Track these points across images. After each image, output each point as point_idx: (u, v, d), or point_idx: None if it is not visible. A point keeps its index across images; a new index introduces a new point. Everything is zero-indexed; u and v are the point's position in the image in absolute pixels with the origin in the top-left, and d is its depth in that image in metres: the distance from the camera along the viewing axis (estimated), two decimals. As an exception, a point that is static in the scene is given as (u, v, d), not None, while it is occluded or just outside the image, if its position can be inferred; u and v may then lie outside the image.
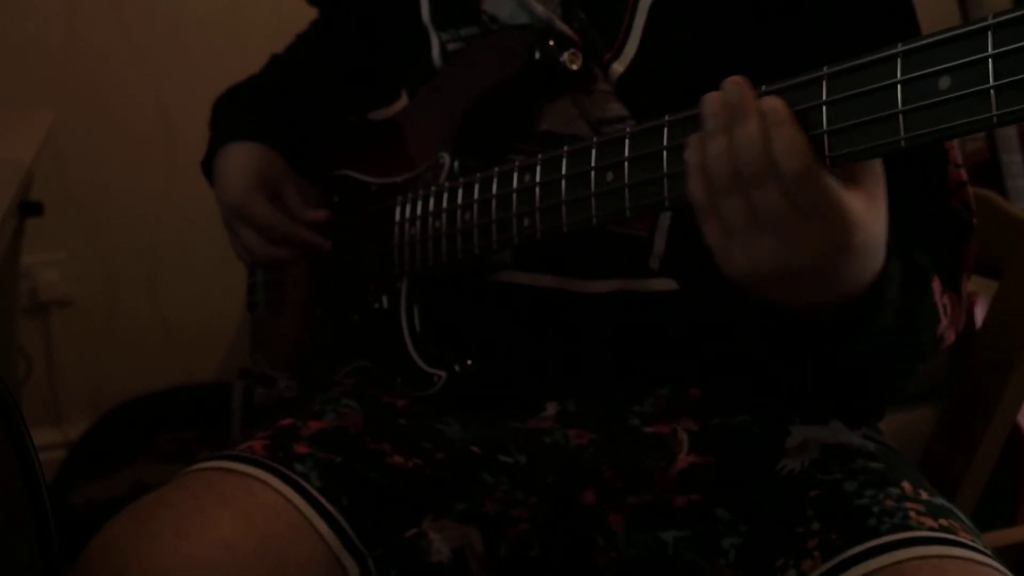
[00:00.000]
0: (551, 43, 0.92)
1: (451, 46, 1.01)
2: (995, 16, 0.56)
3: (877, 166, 0.67)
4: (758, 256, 0.67)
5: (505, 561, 0.89)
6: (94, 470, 1.87)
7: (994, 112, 0.56)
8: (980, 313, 1.62)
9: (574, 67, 0.92)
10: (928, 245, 0.84)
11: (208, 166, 1.16)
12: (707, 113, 0.68)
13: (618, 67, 0.91)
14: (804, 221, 0.65)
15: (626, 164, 0.76)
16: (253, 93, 1.21)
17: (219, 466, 0.85)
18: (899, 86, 0.60)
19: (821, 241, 0.65)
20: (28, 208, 1.57)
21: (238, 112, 1.18)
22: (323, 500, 0.84)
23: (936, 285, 0.82)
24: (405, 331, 0.99)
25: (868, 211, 0.66)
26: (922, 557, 0.74)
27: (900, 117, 0.60)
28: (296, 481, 0.84)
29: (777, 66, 0.72)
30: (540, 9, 0.94)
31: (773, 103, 0.65)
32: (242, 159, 1.12)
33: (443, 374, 0.96)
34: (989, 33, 0.56)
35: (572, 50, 0.92)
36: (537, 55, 0.92)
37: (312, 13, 1.27)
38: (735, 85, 0.67)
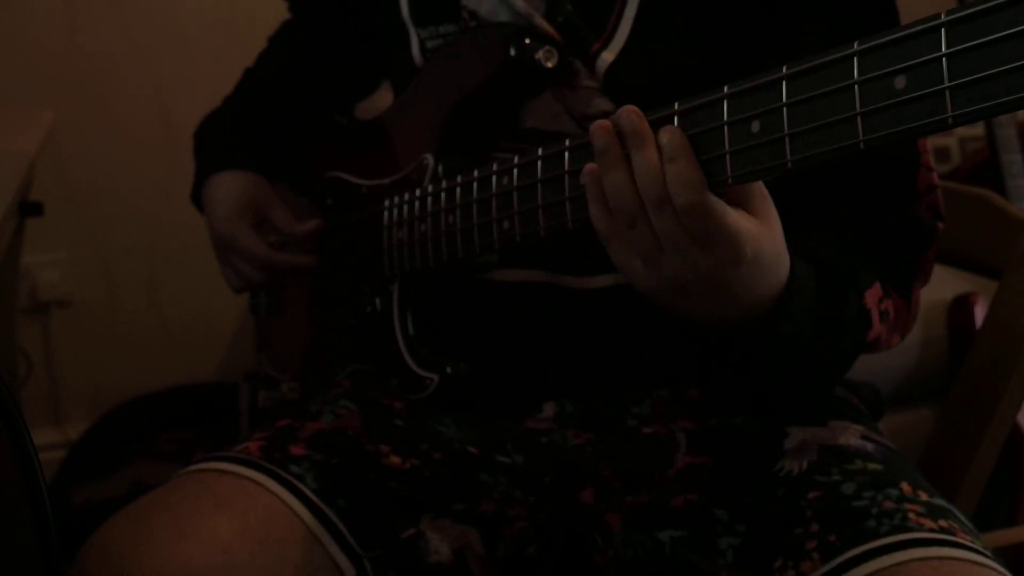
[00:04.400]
0: (526, 41, 0.91)
1: (430, 43, 1.01)
2: (947, 13, 0.55)
3: (761, 188, 0.70)
4: (662, 275, 0.71)
5: (503, 561, 0.89)
6: (94, 470, 1.87)
7: (950, 113, 0.55)
8: (980, 313, 1.62)
9: (549, 65, 0.91)
10: (881, 252, 0.86)
11: (198, 197, 1.17)
12: (599, 147, 0.70)
13: (607, 56, 0.91)
14: (699, 245, 0.69)
15: None
16: (229, 117, 1.21)
17: (215, 467, 0.85)
18: (856, 87, 0.60)
19: (714, 259, 0.69)
20: (28, 208, 1.57)
21: (216, 141, 1.19)
22: (318, 501, 0.84)
23: (873, 292, 0.84)
24: (398, 334, 0.99)
25: (758, 228, 0.70)
26: (921, 559, 0.74)
27: (859, 119, 0.60)
28: (291, 483, 0.84)
29: (768, 54, 0.72)
30: (521, 4, 0.94)
31: (669, 136, 0.67)
32: (224, 190, 1.14)
33: (435, 377, 0.96)
34: (942, 31, 0.55)
35: (547, 47, 0.91)
36: (512, 52, 0.91)
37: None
38: (631, 114, 0.69)
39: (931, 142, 0.90)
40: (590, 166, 0.72)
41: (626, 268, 0.73)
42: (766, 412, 0.91)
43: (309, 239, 1.13)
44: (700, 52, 0.89)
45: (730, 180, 0.67)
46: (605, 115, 0.91)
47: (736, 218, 0.69)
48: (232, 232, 1.11)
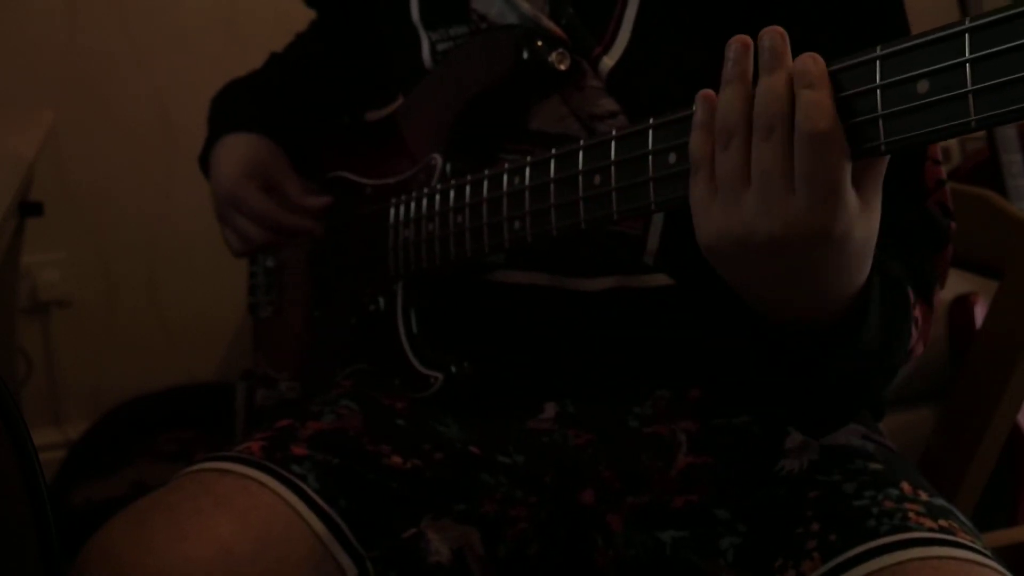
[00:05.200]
0: (539, 43, 0.91)
1: (441, 46, 1.01)
2: (971, 20, 0.56)
3: (881, 178, 0.66)
4: (736, 217, 0.65)
5: (504, 561, 0.89)
6: (94, 470, 1.87)
7: (972, 117, 0.56)
8: (980, 313, 1.63)
9: (562, 67, 0.91)
10: (904, 255, 0.83)
11: (205, 161, 1.17)
12: (732, 56, 0.65)
13: (608, 61, 0.91)
14: (792, 188, 0.63)
15: (612, 168, 0.76)
16: (251, 88, 1.21)
17: (216, 467, 0.85)
18: (878, 90, 0.60)
19: (802, 213, 0.63)
20: (28, 208, 1.57)
21: (235, 106, 1.18)
22: (320, 501, 0.84)
23: (911, 299, 0.81)
24: (402, 333, 0.99)
25: (860, 209, 0.65)
26: (921, 558, 0.74)
27: (880, 121, 0.60)
28: (293, 482, 0.84)
29: None
30: (527, 7, 0.94)
31: (813, 61, 0.63)
32: (237, 149, 1.12)
33: (440, 376, 0.96)
34: (966, 36, 0.56)
35: (560, 50, 0.91)
36: (525, 55, 0.91)
37: (312, 14, 1.28)
38: (775, 35, 0.64)
39: (932, 141, 0.90)
40: (706, 92, 0.67)
41: (700, 206, 0.67)
42: (764, 408, 0.91)
43: (318, 214, 1.12)
44: (702, 53, 0.88)
45: None
46: (612, 115, 0.91)
47: (849, 182, 0.63)
48: (240, 192, 1.10)
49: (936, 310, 0.87)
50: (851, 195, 0.63)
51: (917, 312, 0.83)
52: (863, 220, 0.65)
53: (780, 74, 0.63)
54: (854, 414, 0.88)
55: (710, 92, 0.67)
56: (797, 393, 0.81)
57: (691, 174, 0.68)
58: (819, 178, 0.62)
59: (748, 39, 0.65)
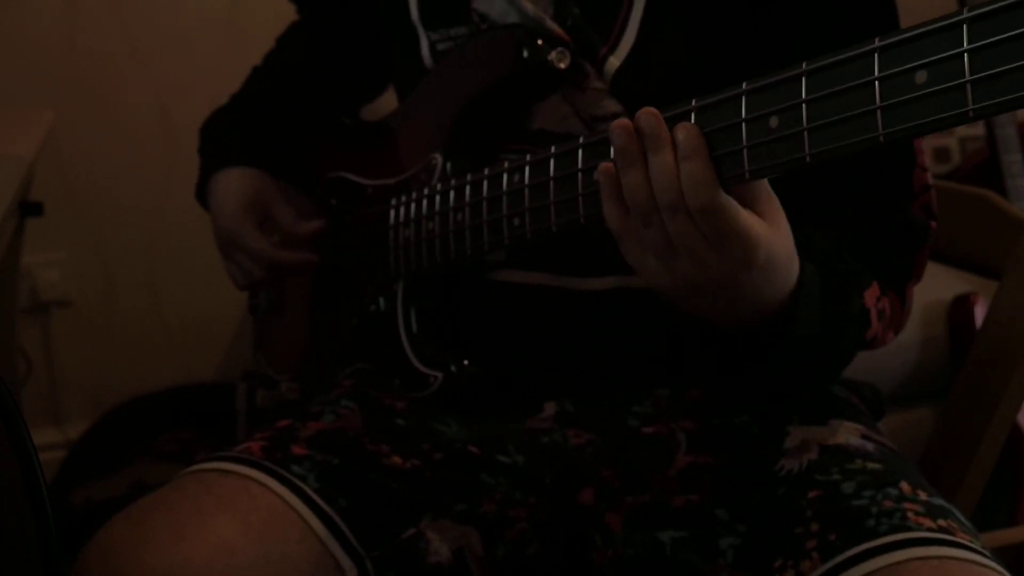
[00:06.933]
0: (539, 42, 0.91)
1: (441, 46, 1.01)
2: (970, 9, 0.56)
3: (768, 189, 0.71)
4: (675, 274, 0.72)
5: (504, 561, 0.89)
6: (94, 470, 1.87)
7: (971, 107, 0.56)
8: (980, 313, 1.62)
9: (562, 66, 0.91)
10: (878, 252, 0.87)
11: (202, 194, 1.17)
12: (618, 146, 0.70)
13: (615, 61, 0.91)
14: (711, 246, 0.70)
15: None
16: (236, 114, 1.21)
17: (216, 467, 0.85)
18: (877, 82, 0.61)
19: (727, 261, 0.70)
20: (28, 208, 1.57)
21: (222, 138, 1.18)
22: (321, 501, 0.84)
23: (872, 291, 0.85)
24: (402, 332, 0.99)
25: (769, 231, 0.70)
26: (921, 558, 0.74)
27: (878, 113, 0.61)
28: (293, 483, 0.84)
29: (770, 56, 0.72)
30: (530, 7, 0.94)
31: (684, 133, 0.68)
32: (229, 187, 1.13)
33: (439, 375, 0.96)
34: (964, 27, 0.56)
35: (560, 49, 0.91)
36: (525, 54, 0.91)
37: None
38: (650, 116, 0.69)
39: (931, 142, 0.91)
40: (606, 164, 0.72)
41: (639, 266, 0.73)
42: (763, 406, 0.91)
43: (312, 239, 1.12)
44: (707, 54, 0.89)
45: (747, 175, 0.68)
46: (614, 117, 0.91)
47: (748, 219, 0.69)
48: (237, 230, 1.11)
49: (909, 303, 0.92)
50: (756, 226, 0.69)
51: (883, 303, 0.86)
52: (776, 240, 0.71)
53: (665, 153, 0.69)
54: (807, 392, 0.94)
55: (609, 165, 0.72)
56: (755, 382, 0.90)
57: (619, 242, 0.74)
58: (723, 235, 0.69)
59: (628, 123, 0.70)
